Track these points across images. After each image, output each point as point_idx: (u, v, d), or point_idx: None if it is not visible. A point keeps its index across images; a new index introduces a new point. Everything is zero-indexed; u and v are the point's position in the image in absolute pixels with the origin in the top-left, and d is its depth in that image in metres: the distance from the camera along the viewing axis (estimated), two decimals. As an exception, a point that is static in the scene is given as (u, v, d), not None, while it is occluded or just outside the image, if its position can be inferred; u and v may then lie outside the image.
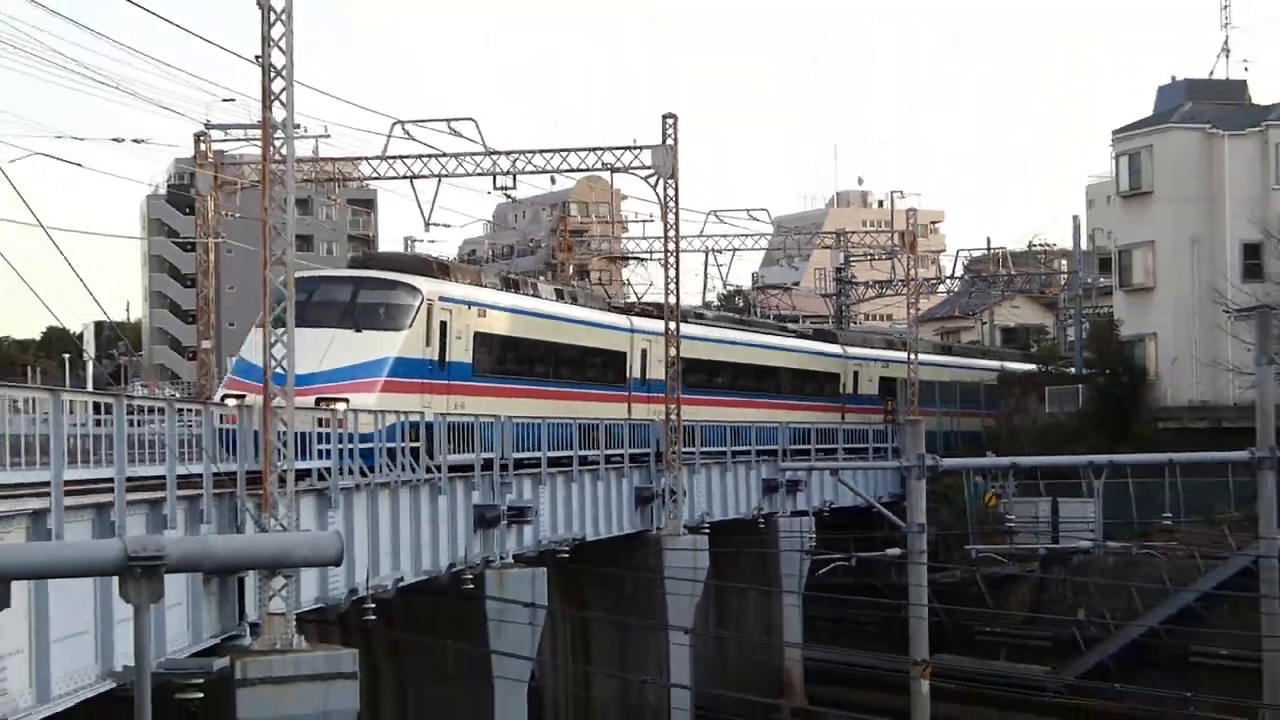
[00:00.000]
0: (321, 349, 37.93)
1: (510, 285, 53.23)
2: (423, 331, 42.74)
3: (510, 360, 49.42)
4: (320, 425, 32.73)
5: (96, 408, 27.33)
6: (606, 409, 54.28)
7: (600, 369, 56.82)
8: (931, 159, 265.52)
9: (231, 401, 36.53)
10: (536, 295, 54.67)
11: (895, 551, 52.63)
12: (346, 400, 35.53)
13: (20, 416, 22.95)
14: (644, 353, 58.88)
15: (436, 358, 43.45)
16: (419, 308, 42.68)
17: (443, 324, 43.99)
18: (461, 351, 45.24)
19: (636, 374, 58.68)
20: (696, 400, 60.25)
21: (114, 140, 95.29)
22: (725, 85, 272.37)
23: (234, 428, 30.34)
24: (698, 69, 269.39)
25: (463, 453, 41.58)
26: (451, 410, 41.93)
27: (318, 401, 35.75)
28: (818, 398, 76.42)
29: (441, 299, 44.16)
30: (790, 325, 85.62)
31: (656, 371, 58.25)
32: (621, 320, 59.35)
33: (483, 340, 47.50)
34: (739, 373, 68.16)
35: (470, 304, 46.87)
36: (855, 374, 78.73)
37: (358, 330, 40.40)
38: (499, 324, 48.93)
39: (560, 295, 57.97)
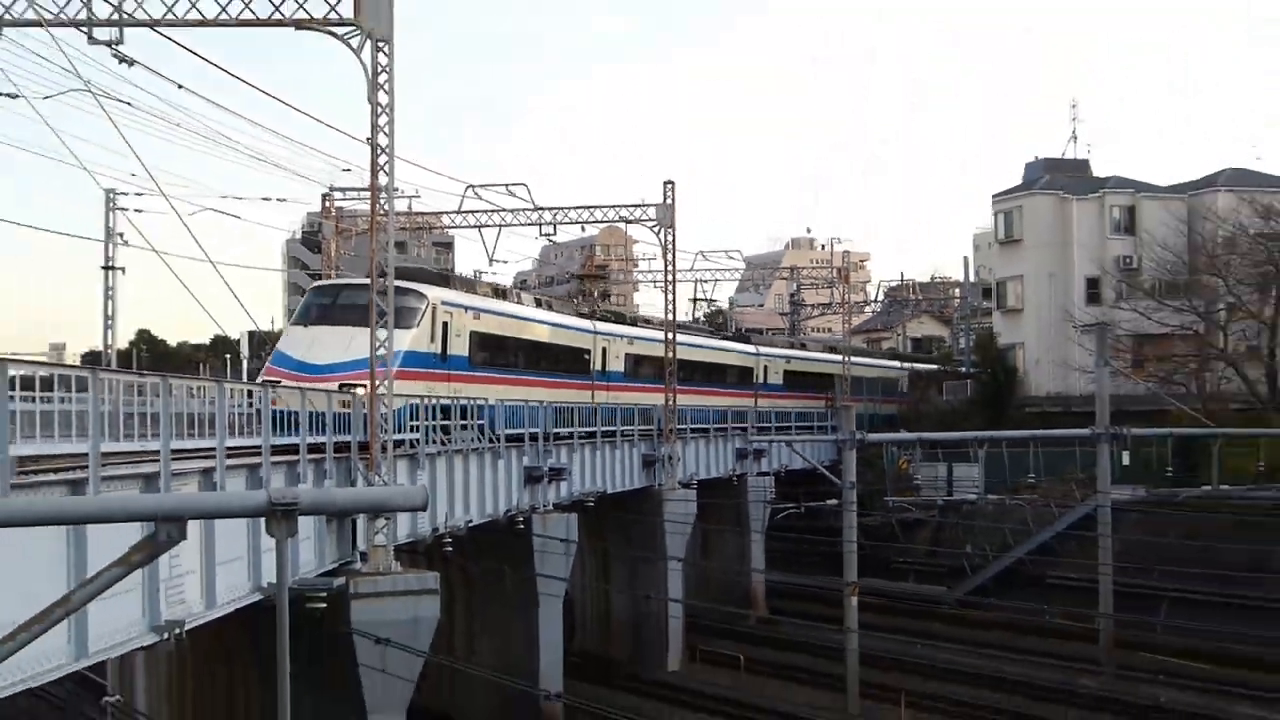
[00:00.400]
0: (344, 343, 36.17)
1: (500, 294, 50.35)
2: (428, 329, 40.62)
3: (499, 354, 46.86)
4: (345, 406, 30.78)
5: (248, 395, 27.53)
6: (575, 395, 51.60)
7: (570, 362, 53.49)
8: (861, 211, 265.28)
9: (330, 388, 34.15)
10: (520, 302, 52.01)
11: (833, 502, 52.79)
12: (364, 386, 32.34)
13: (194, 400, 23.16)
14: (604, 350, 56.41)
15: (439, 351, 41.36)
16: (425, 310, 40.39)
17: (444, 324, 41.72)
18: (460, 347, 42.97)
19: (598, 367, 55.73)
20: (648, 388, 57.44)
21: (264, 199, 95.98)
22: (712, 150, 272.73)
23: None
24: (690, 140, 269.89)
25: (516, 428, 41.75)
26: (451, 395, 39.23)
27: (340, 387, 33.77)
28: (739, 386, 72.31)
29: (444, 303, 42.03)
30: (720, 331, 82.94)
31: (614, 365, 57.26)
32: (586, 324, 56.30)
33: (477, 338, 45.05)
34: (681, 366, 60.75)
35: (467, 308, 44.44)
36: (765, 368, 75.20)
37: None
38: (490, 324, 46.30)
39: (539, 303, 55.11)
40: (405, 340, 37.75)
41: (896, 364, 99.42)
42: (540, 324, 51.34)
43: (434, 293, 41.62)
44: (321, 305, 39.94)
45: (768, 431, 66.49)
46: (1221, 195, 74.90)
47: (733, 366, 72.75)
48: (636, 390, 57.53)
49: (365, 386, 31.11)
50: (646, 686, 49.08)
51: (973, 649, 51.42)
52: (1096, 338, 55.80)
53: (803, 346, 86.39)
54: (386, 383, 29.98)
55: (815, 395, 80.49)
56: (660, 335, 58.17)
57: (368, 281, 38.05)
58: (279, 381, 34.01)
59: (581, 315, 58.32)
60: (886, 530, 64.73)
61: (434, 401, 36.29)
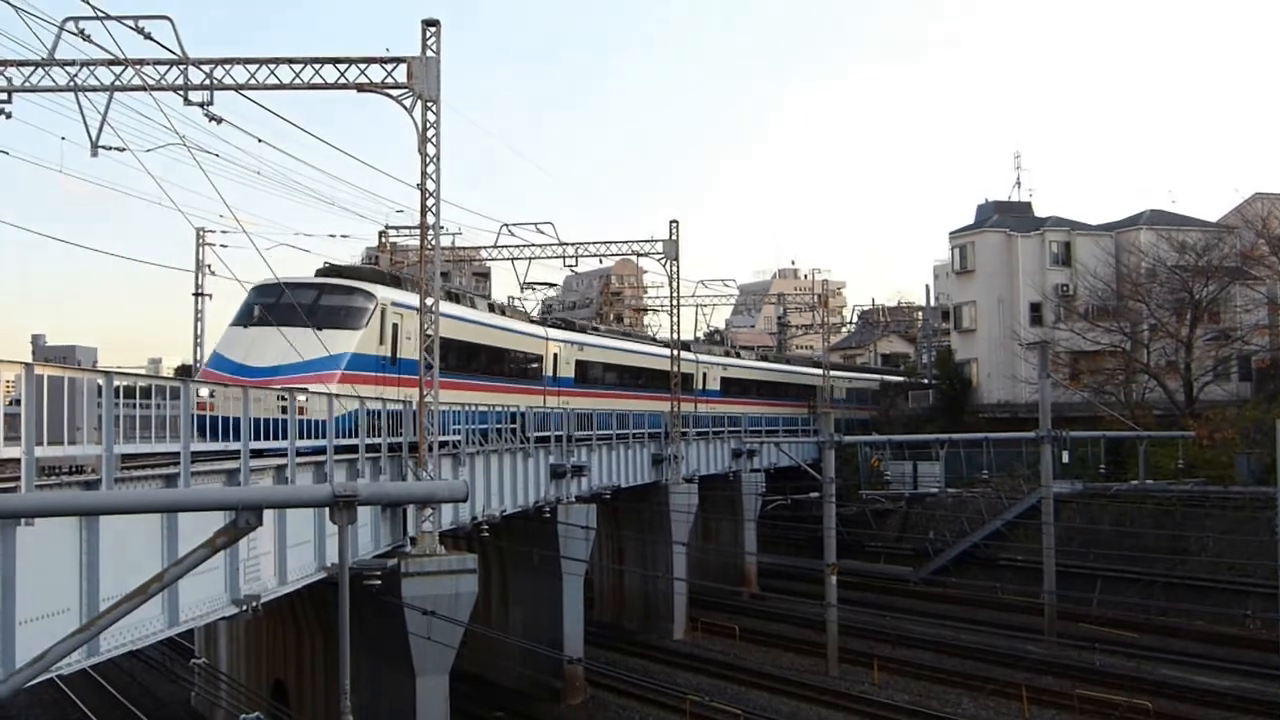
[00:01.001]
0: (287, 345, 30.61)
1: (453, 297, 42.51)
2: (376, 331, 34.01)
3: (452, 358, 38.59)
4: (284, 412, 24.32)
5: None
6: (527, 400, 45.17)
7: (522, 367, 47.00)
8: (837, 243, 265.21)
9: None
10: (474, 307, 44.34)
11: (815, 494, 52.57)
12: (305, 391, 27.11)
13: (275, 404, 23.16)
14: (555, 356, 49.27)
15: (389, 355, 34.62)
16: (373, 311, 33.95)
17: (394, 326, 34.97)
18: (411, 350, 34.88)
19: (550, 372, 48.72)
20: (599, 394, 52.73)
21: (330, 235, 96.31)
22: (708, 192, 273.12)
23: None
24: (694, 178, 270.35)
25: (543, 430, 41.61)
26: (403, 400, 32.30)
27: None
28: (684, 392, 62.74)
29: (394, 304, 35.15)
30: (657, 338, 71.43)
31: (565, 371, 50.23)
32: (539, 330, 48.92)
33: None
34: (623, 372, 57.37)
35: (417, 309, 34.74)
36: (704, 375, 66.32)
37: (319, 329, 31.58)
38: (443, 328, 35.54)
39: (492, 308, 47.05)
40: (350, 342, 32.77)
41: (870, 376, 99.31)
42: (494, 329, 44.01)
43: (384, 293, 35.08)
44: (264, 305, 32.96)
45: (759, 433, 66.18)
46: (1143, 233, 74.97)
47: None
48: (586, 395, 51.59)
49: (310, 391, 26.71)
50: (655, 652, 49.02)
51: (935, 620, 51.49)
52: (1039, 354, 56.13)
53: (738, 354, 77.72)
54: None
55: (753, 401, 72.94)
56: (610, 343, 56.00)
57: (316, 281, 34.76)
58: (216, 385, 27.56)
59: (534, 321, 51.07)
60: (861, 519, 64.69)
61: (383, 406, 30.56)
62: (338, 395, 26.21)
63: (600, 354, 54.34)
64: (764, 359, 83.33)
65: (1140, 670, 42.19)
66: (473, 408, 36.20)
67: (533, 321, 50.63)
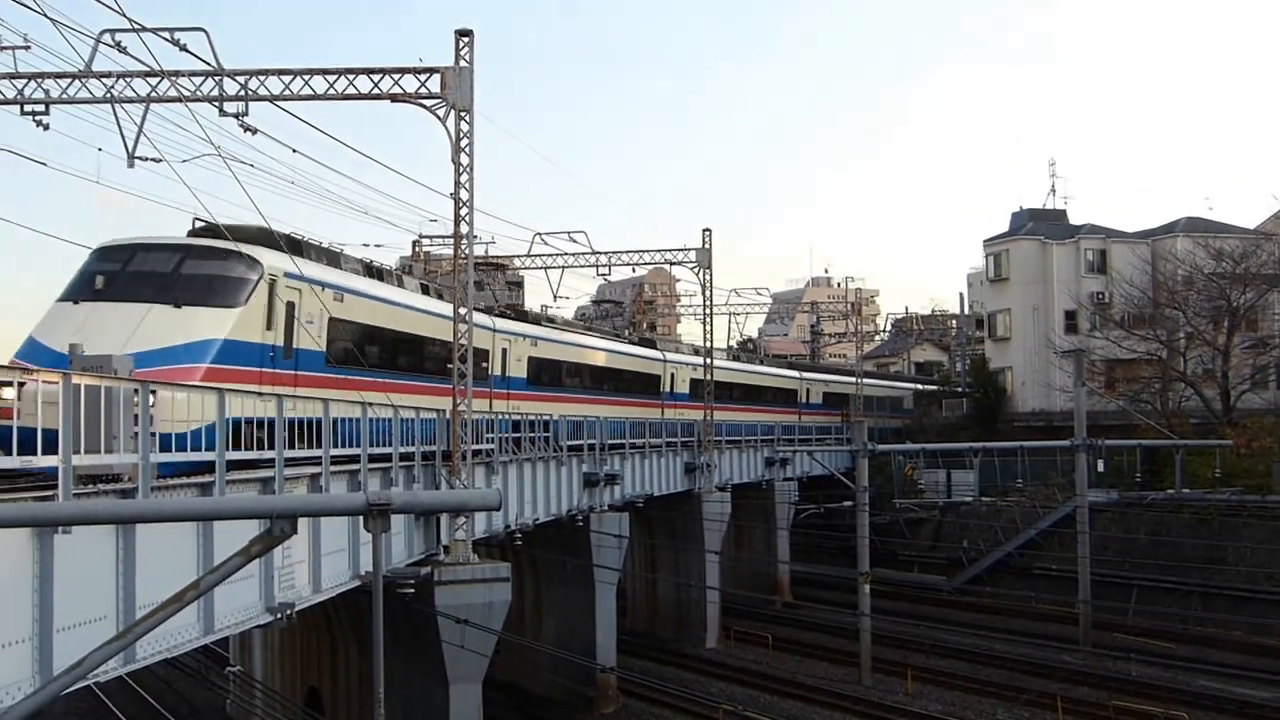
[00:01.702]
0: (131, 327, 23.23)
1: (374, 273, 34.08)
2: (262, 311, 25.72)
3: (370, 351, 31.55)
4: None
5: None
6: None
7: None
8: (870, 251, 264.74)
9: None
10: (401, 286, 35.83)
11: (848, 503, 52.49)
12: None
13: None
14: (504, 351, 41.64)
15: (281, 343, 26.57)
16: (258, 283, 25.58)
17: (290, 305, 26.89)
18: (313, 339, 28.03)
19: (498, 371, 40.86)
20: (558, 398, 45.42)
21: (364, 244, 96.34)
22: (741, 200, 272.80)
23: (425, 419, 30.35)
24: (727, 186, 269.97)
25: (576, 439, 41.33)
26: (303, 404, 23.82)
27: None
28: (642, 394, 56.02)
29: (289, 276, 26.83)
30: (623, 335, 64.97)
31: (515, 370, 42.71)
32: (485, 319, 40.10)
33: (339, 328, 29.64)
34: (589, 374, 50.26)
35: (325, 286, 28.92)
36: (672, 375, 59.53)
37: (178, 306, 24.13)
38: (358, 311, 30.85)
39: (426, 290, 38.17)
40: (222, 325, 24.62)
41: (903, 385, 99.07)
42: (426, 314, 35.23)
43: (274, 260, 26.67)
44: (107, 274, 25.21)
45: (791, 442, 65.96)
46: (1180, 240, 74.69)
47: (638, 373, 56.68)
48: (543, 400, 43.80)
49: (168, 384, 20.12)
50: (688, 661, 48.97)
51: (969, 630, 51.23)
52: (1074, 362, 55.75)
53: (702, 353, 66.75)
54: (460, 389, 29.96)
55: (733, 406, 64.84)
56: (574, 338, 49.76)
57: (177, 241, 26.99)
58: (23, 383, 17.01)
59: (479, 309, 40.63)
60: (894, 528, 64.52)
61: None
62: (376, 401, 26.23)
63: (560, 350, 47.19)
64: (736, 358, 76.84)
65: (1177, 681, 41.93)
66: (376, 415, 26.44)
67: (478, 309, 40.23)
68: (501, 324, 42.15)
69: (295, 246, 28.93)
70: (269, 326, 26.09)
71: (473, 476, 30.16)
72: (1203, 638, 47.35)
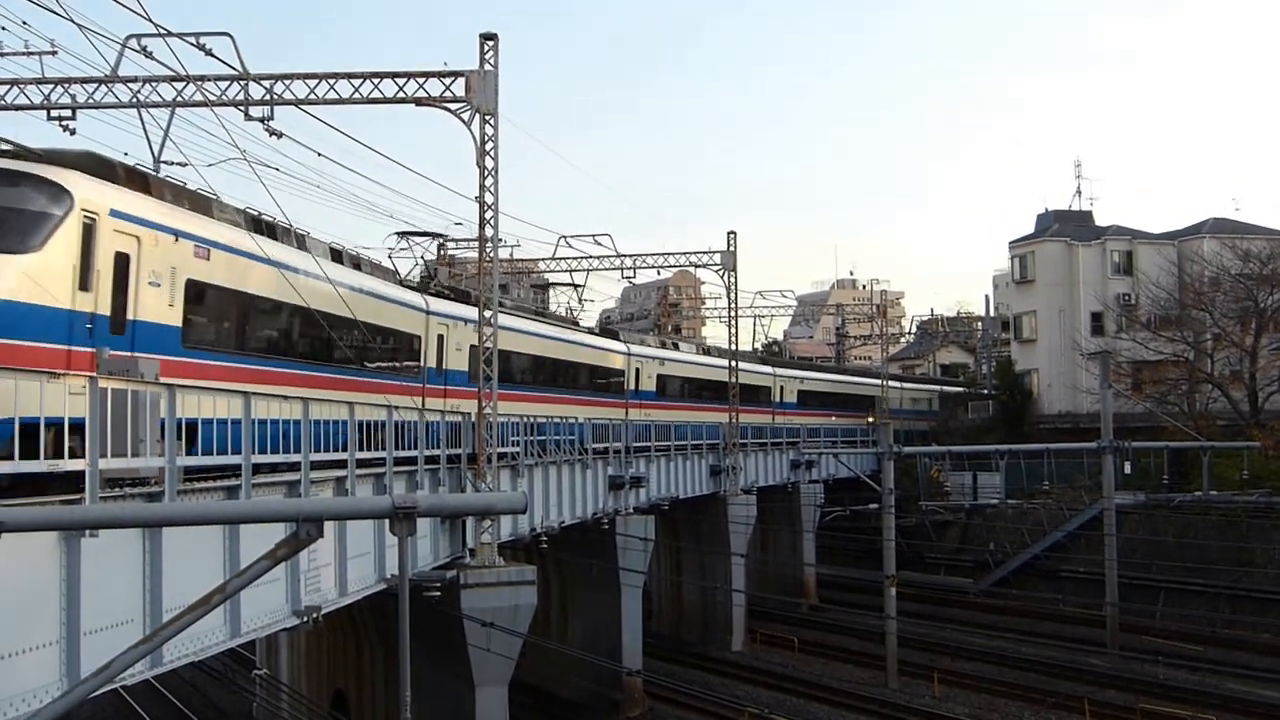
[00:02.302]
0: None
1: (262, 228, 25.25)
2: (72, 261, 18.15)
3: (250, 330, 24.17)
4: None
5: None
6: (389, 402, 26.56)
7: (386, 353, 30.71)
8: (896, 253, 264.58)
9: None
10: (303, 249, 27.10)
11: (874, 506, 52.27)
12: None
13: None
14: (440, 339, 34.00)
15: (108, 311, 18.92)
16: (63, 220, 18.00)
17: (122, 256, 19.30)
18: (161, 307, 20.42)
19: (431, 362, 33.48)
20: (508, 396, 35.00)
21: (388, 249, 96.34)
22: (766, 203, 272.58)
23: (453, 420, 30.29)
24: (752, 188, 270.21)
25: (601, 442, 41.16)
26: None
27: None
28: (604, 393, 48.92)
29: (120, 217, 19.28)
30: (583, 326, 55.44)
31: (456, 362, 34.79)
32: (415, 298, 33.38)
33: (202, 295, 22.06)
34: (545, 367, 43.11)
35: (181, 235, 21.18)
36: (638, 370, 52.60)
37: None
38: (233, 274, 23.04)
39: (338, 257, 29.45)
40: (3, 278, 17.32)
41: (929, 387, 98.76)
42: (334, 286, 26.67)
43: (94, 191, 19.03)
44: None
45: (817, 444, 65.72)
46: (1206, 241, 74.47)
47: (598, 367, 49.16)
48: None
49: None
50: (713, 664, 48.89)
51: (996, 633, 51.15)
52: (1100, 364, 55.63)
53: (676, 347, 62.81)
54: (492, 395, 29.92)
55: (699, 405, 58.07)
56: (526, 325, 41.77)
57: None
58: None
59: (408, 286, 34.60)
60: (920, 530, 64.34)
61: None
62: (408, 406, 26.19)
63: (513, 340, 38.56)
64: (706, 351, 66.68)
65: (1205, 684, 41.70)
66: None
67: (407, 286, 34.24)
68: (438, 305, 34.60)
69: (138, 180, 21.26)
70: (84, 286, 18.52)
71: (498, 479, 30.14)
72: (1231, 640, 47.11)
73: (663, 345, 60.60)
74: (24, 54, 31.10)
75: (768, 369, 72.68)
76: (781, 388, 72.43)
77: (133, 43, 26.04)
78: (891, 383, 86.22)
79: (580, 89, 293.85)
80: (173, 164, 27.11)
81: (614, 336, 54.88)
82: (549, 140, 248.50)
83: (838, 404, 79.83)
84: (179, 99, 27.34)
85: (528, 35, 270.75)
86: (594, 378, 48.59)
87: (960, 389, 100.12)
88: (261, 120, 27.24)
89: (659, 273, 57.87)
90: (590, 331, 53.40)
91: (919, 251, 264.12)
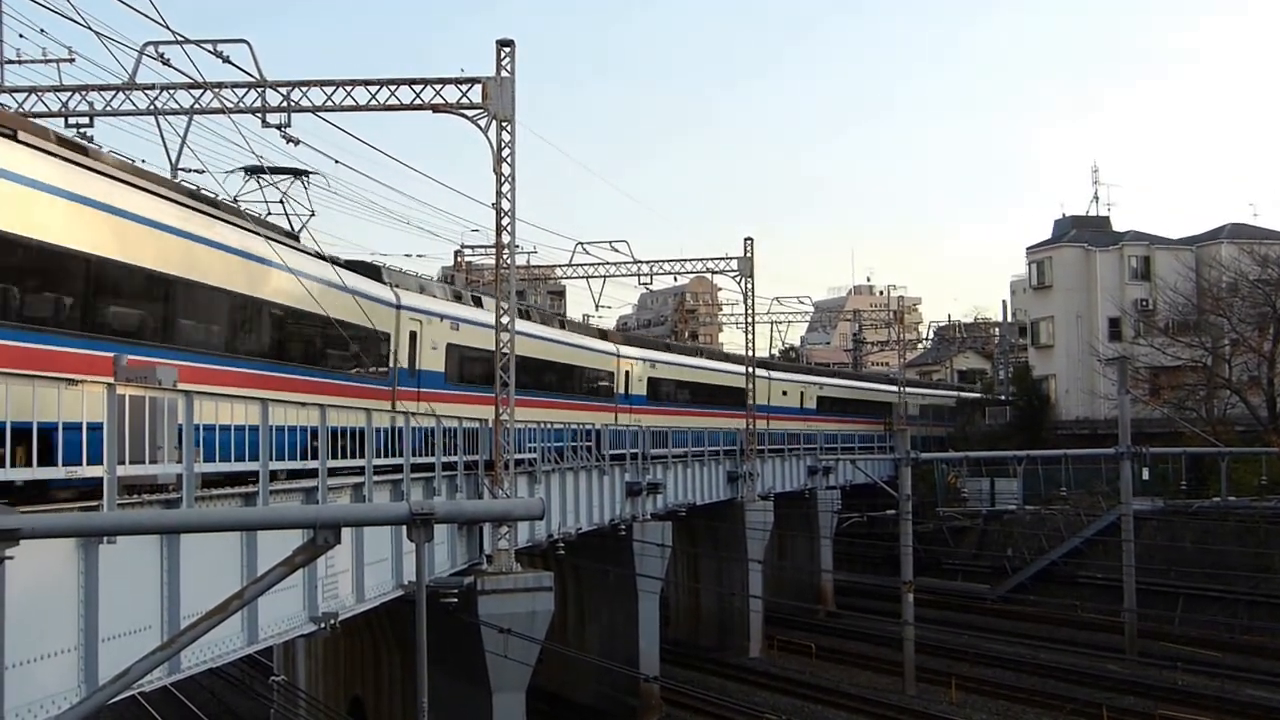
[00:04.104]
0: None
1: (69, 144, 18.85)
2: None
3: (150, 311, 19.50)
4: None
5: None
6: (293, 404, 20.69)
7: (349, 352, 26.85)
8: (913, 259, 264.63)
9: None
10: (215, 210, 22.48)
11: (891, 512, 52.18)
12: None
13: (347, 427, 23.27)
14: (414, 336, 30.98)
15: None
16: None
17: None
18: None
19: (405, 363, 30.39)
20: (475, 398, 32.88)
21: (405, 255, 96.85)
22: (784, 209, 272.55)
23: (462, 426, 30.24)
24: (769, 195, 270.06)
25: (619, 448, 41.17)
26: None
27: None
28: (594, 397, 45.85)
29: None
30: (572, 323, 53.82)
31: (432, 361, 31.99)
32: (382, 292, 29.67)
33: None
34: (535, 369, 39.14)
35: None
36: (627, 374, 48.90)
37: None
38: (124, 243, 18.42)
39: (232, 213, 23.63)
40: None
41: (947, 393, 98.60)
42: (258, 264, 22.74)
43: None
44: None
45: (835, 451, 65.59)
46: (1224, 246, 74.33)
47: (583, 368, 45.53)
48: (470, 401, 32.34)
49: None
50: (731, 670, 48.80)
51: (1014, 639, 51.02)
52: (1118, 370, 55.49)
53: (667, 348, 58.97)
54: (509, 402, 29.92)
55: (696, 411, 55.35)
56: (459, 312, 35.31)
57: None
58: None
59: (320, 257, 26.66)
60: (938, 536, 64.21)
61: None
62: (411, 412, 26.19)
63: (487, 339, 32.26)
64: (697, 353, 62.81)
65: (1224, 690, 41.56)
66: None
67: (322, 259, 26.79)
68: (411, 300, 31.60)
69: None
70: None
71: (515, 486, 30.11)
72: (1250, 646, 46.98)
73: (651, 347, 56.70)
74: (42, 61, 31.26)
75: (782, 374, 70.09)
76: (801, 394, 70.69)
77: (150, 50, 26.10)
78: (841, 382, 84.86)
79: (597, 96, 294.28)
80: (190, 171, 27.21)
81: (602, 336, 51.05)
82: (567, 147, 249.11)
83: (853, 410, 78.84)
84: (196, 106, 27.42)
85: (544, 39, 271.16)
86: (581, 380, 45.49)
87: (978, 395, 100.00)
88: (279, 127, 27.29)
89: (676, 279, 57.82)
90: (576, 330, 49.59)
91: (936, 257, 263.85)
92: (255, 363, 22.66)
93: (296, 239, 27.10)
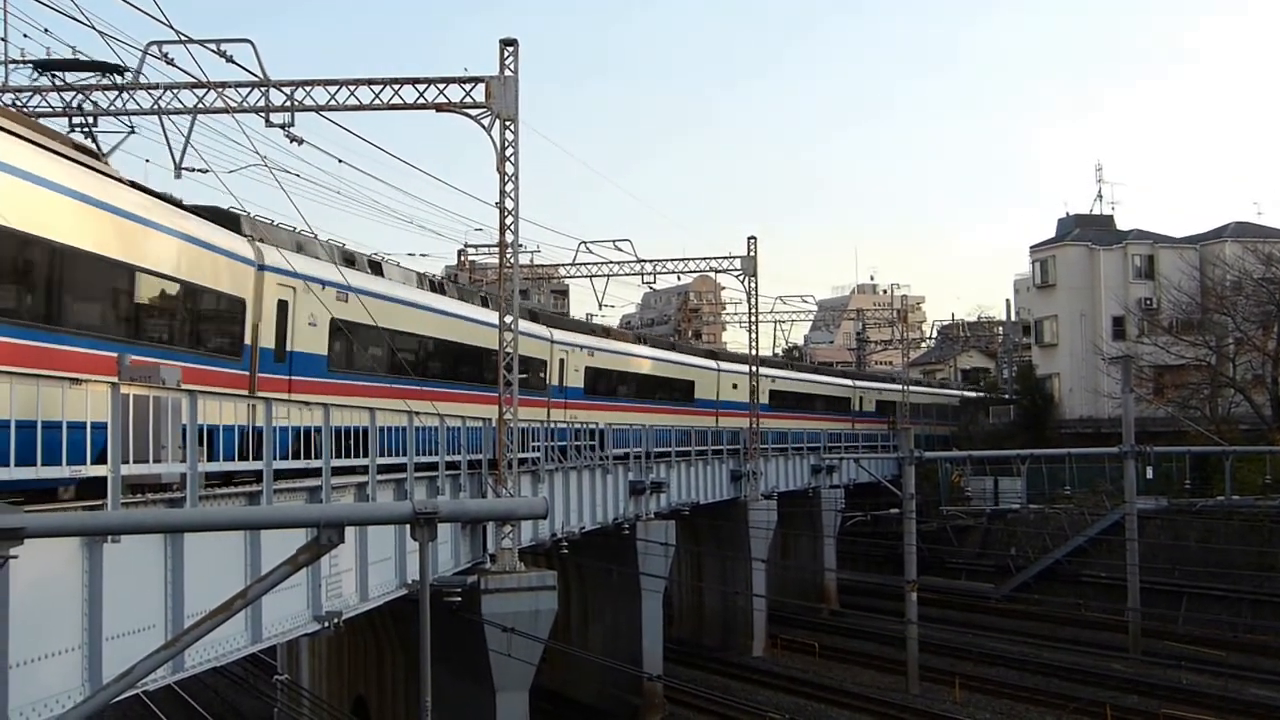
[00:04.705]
0: None
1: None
2: None
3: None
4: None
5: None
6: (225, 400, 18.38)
7: (186, 325, 20.69)
8: (916, 258, 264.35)
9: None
10: (99, 163, 19.48)
11: (895, 511, 52.15)
12: None
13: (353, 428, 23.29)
14: (286, 307, 24.81)
15: None
16: None
17: None
18: None
19: (270, 343, 24.23)
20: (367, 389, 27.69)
21: (408, 254, 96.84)
22: (788, 208, 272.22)
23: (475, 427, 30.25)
24: (772, 194, 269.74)
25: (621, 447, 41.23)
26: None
27: None
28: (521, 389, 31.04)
29: None
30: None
31: (310, 342, 25.88)
32: (242, 246, 23.43)
33: None
34: (445, 354, 33.26)
35: None
36: (561, 362, 42.65)
37: None
38: None
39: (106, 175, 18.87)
40: None
41: (951, 392, 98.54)
42: (150, 227, 19.20)
43: None
44: None
45: (838, 449, 65.50)
46: (1228, 245, 74.29)
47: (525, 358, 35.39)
48: (358, 392, 27.19)
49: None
50: (734, 669, 48.81)
51: (1017, 638, 51.00)
52: (1122, 369, 55.44)
53: (607, 335, 51.82)
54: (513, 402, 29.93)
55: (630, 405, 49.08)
56: (414, 296, 31.81)
57: None
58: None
59: (136, 186, 20.09)
60: (941, 535, 64.20)
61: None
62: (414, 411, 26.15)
63: (392, 314, 29.23)
64: (636, 339, 56.34)
65: (1228, 689, 41.52)
66: None
67: (142, 190, 20.35)
68: (275, 258, 24.61)
69: None
70: None
71: (519, 485, 30.13)
72: (1254, 645, 46.97)
73: (591, 333, 49.82)
74: (44, 60, 31.15)
75: (732, 366, 61.25)
76: (732, 386, 60.28)
77: (154, 49, 26.09)
78: (862, 382, 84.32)
79: (598, 96, 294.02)
80: (194, 170, 27.18)
81: (532, 317, 42.71)
82: (571, 146, 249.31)
83: (808, 406, 71.93)
84: (200, 106, 27.41)
85: (545, 39, 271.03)
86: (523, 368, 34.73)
87: (982, 394, 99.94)
88: (282, 127, 27.31)
89: (679, 278, 57.79)
90: (538, 317, 44.28)
91: (939, 256, 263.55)
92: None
93: (101, 159, 20.87)
